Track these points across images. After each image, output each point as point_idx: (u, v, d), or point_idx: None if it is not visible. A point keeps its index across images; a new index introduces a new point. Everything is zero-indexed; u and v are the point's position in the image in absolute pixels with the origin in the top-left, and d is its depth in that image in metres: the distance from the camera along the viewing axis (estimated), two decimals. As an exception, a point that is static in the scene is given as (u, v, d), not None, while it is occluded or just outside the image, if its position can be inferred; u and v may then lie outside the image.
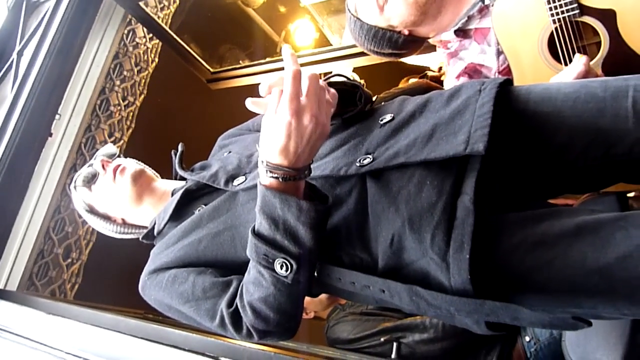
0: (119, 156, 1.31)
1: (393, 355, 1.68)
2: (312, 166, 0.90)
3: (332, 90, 0.92)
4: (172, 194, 1.18)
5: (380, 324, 1.78)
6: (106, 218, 1.28)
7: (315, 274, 0.88)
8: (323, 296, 2.09)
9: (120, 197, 1.22)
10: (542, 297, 0.78)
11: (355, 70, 2.81)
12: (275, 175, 0.78)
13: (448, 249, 0.77)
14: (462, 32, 1.47)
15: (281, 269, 0.80)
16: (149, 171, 1.29)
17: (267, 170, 0.78)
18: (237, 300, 0.90)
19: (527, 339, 1.57)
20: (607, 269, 0.73)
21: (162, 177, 1.32)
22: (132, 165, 1.25)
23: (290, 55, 0.78)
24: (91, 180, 1.26)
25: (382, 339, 1.72)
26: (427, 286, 0.80)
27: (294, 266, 0.80)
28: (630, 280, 0.72)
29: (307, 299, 2.09)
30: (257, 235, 0.82)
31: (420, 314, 0.89)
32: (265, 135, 0.78)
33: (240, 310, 0.89)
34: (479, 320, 0.81)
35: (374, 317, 1.84)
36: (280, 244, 0.80)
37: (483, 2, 1.40)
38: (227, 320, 0.91)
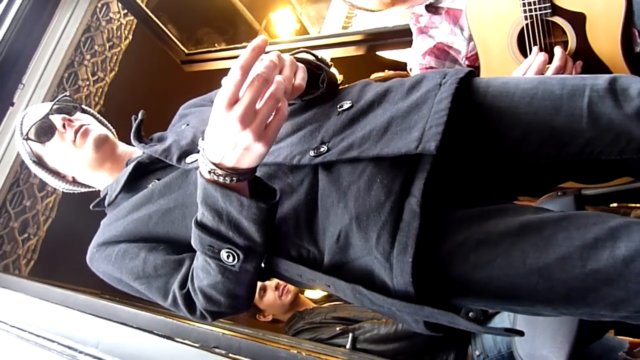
0: (80, 110, 1.23)
1: (348, 346, 1.68)
2: None
3: (300, 76, 0.87)
4: (127, 165, 1.14)
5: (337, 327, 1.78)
6: (55, 173, 1.22)
7: (263, 264, 0.87)
8: (285, 300, 2.08)
9: (79, 161, 1.15)
10: (484, 295, 0.78)
11: (333, 60, 2.80)
12: (216, 174, 0.74)
13: (392, 250, 0.77)
14: (434, 9, 1.50)
15: (228, 258, 0.80)
16: (112, 136, 1.21)
17: (209, 171, 0.74)
18: (189, 283, 0.89)
19: (477, 352, 1.60)
20: (546, 269, 0.73)
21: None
22: (97, 128, 1.17)
23: (256, 49, 0.70)
24: (46, 134, 1.15)
25: (337, 328, 1.73)
26: (371, 283, 0.80)
27: (241, 256, 0.79)
28: (568, 281, 0.72)
29: (268, 301, 2.10)
30: (201, 226, 0.80)
31: (365, 308, 0.90)
32: (213, 132, 0.72)
33: (192, 294, 0.89)
34: (418, 320, 0.82)
35: (332, 326, 1.83)
36: (225, 235, 0.79)
37: None
38: (180, 302, 0.91)
